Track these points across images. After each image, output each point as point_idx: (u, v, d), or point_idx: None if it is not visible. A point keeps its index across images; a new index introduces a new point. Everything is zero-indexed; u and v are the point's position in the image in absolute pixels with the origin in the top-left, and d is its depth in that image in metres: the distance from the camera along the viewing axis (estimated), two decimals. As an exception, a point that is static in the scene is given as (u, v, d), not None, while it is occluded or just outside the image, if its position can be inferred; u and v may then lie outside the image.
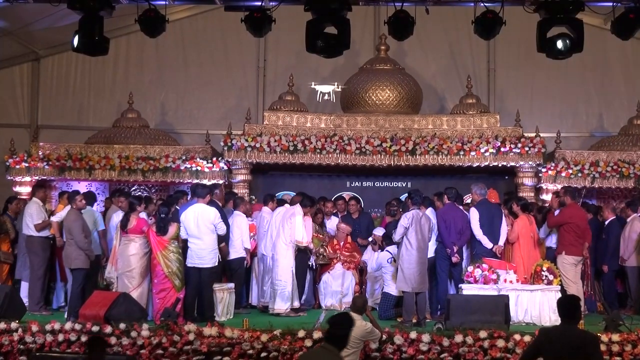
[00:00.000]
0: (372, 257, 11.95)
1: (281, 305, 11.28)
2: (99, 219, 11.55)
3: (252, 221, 12.18)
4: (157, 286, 10.42)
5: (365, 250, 12.40)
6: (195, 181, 13.45)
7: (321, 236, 12.36)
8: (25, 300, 11.11)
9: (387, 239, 11.46)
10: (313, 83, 13.31)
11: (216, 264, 10.62)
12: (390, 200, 13.00)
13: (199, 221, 10.57)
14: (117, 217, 11.44)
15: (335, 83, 13.29)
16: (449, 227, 11.20)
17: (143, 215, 10.77)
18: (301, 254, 11.73)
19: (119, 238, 10.74)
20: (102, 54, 10.63)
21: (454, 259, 11.17)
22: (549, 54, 10.37)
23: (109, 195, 13.98)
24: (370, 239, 12.38)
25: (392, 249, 11.22)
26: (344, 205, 13.28)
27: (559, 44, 10.11)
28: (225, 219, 11.11)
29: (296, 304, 11.48)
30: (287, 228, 11.39)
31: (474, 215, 11.29)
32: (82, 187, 13.70)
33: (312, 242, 11.82)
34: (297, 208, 11.58)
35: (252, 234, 11.99)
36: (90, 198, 11.75)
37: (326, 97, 13.32)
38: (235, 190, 13.41)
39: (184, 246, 10.67)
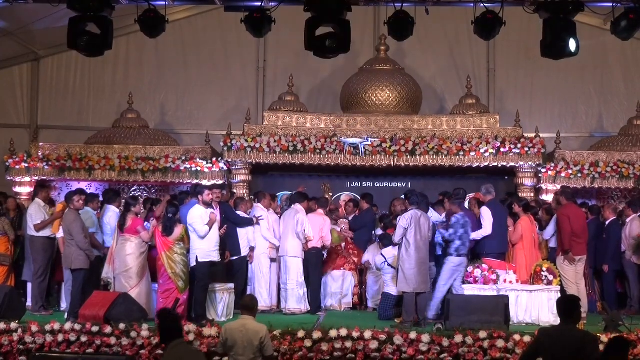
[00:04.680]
0: (374, 255, 11.90)
1: (295, 306, 11.42)
2: (90, 221, 11.20)
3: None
4: (162, 286, 10.41)
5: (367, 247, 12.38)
6: (195, 181, 13.45)
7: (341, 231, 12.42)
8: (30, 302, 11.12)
9: (385, 240, 11.43)
10: (338, 135, 13.51)
11: (193, 263, 10.53)
12: (392, 201, 12.90)
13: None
14: (116, 216, 11.39)
15: (365, 136, 13.49)
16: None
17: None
18: (316, 258, 11.73)
19: (116, 238, 10.74)
20: (99, 55, 10.60)
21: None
22: (547, 55, 10.37)
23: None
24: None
25: (387, 252, 11.19)
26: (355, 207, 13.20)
27: (566, 45, 10.09)
28: (236, 220, 11.44)
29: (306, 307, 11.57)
30: (298, 227, 11.49)
31: (487, 213, 11.15)
32: (82, 187, 13.60)
33: (329, 240, 11.83)
34: (298, 206, 11.69)
35: None
36: (91, 196, 11.63)
37: (354, 151, 13.49)
38: (235, 191, 13.43)
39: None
